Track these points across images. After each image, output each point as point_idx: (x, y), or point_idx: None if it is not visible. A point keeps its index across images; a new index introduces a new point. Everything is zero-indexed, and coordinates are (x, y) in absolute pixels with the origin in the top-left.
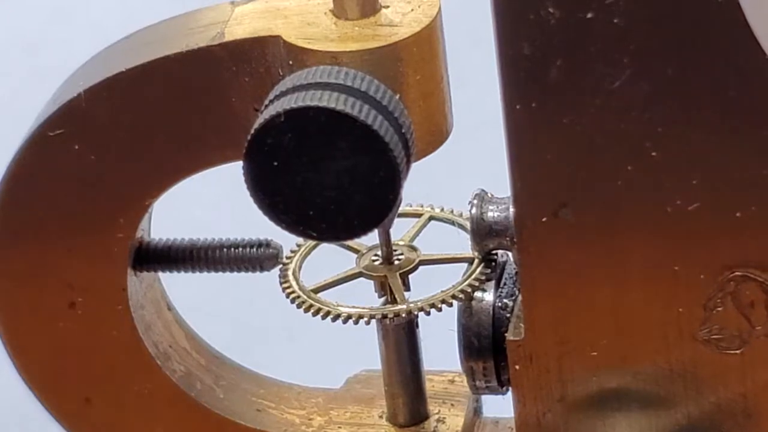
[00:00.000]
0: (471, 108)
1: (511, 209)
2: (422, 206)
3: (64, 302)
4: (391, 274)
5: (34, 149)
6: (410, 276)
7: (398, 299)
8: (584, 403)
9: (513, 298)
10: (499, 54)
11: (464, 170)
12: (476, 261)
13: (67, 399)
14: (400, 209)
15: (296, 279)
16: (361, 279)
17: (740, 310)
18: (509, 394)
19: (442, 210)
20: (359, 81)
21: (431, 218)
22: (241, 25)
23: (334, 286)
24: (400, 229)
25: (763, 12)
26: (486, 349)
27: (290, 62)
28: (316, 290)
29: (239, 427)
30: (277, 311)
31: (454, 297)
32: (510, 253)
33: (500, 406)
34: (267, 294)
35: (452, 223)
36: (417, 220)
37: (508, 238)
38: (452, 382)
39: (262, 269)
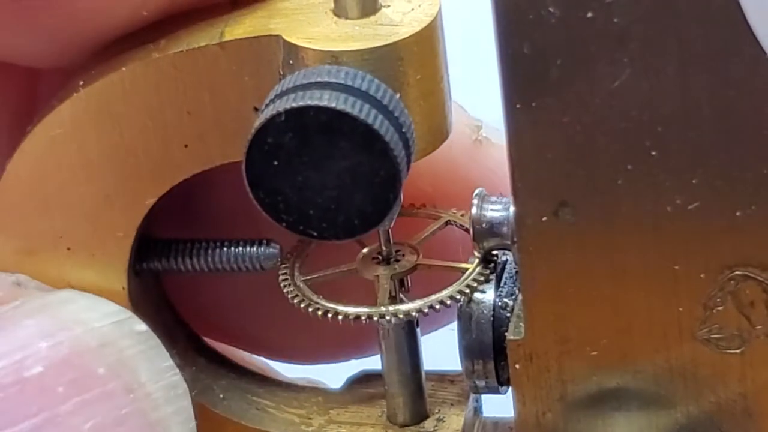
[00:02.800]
0: (471, 108)
1: (512, 209)
2: (435, 209)
3: None
4: (391, 273)
5: (35, 148)
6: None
7: (398, 299)
8: (584, 402)
9: (513, 297)
10: (499, 54)
11: None
12: (475, 262)
13: None
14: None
15: (296, 278)
16: None
17: (740, 310)
18: (509, 393)
19: (463, 215)
20: (360, 80)
21: (448, 223)
22: (242, 25)
23: None
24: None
25: (763, 12)
26: (486, 348)
27: (290, 61)
28: (316, 290)
29: (239, 426)
30: None
31: (453, 297)
32: (510, 253)
33: (500, 405)
34: None
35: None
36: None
37: (508, 238)
38: (452, 381)
39: (262, 268)
